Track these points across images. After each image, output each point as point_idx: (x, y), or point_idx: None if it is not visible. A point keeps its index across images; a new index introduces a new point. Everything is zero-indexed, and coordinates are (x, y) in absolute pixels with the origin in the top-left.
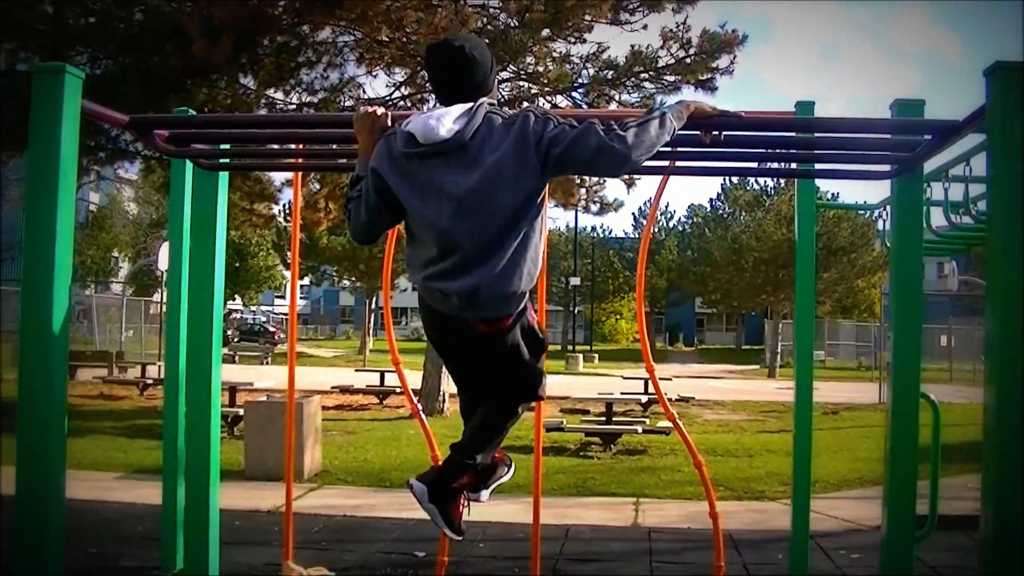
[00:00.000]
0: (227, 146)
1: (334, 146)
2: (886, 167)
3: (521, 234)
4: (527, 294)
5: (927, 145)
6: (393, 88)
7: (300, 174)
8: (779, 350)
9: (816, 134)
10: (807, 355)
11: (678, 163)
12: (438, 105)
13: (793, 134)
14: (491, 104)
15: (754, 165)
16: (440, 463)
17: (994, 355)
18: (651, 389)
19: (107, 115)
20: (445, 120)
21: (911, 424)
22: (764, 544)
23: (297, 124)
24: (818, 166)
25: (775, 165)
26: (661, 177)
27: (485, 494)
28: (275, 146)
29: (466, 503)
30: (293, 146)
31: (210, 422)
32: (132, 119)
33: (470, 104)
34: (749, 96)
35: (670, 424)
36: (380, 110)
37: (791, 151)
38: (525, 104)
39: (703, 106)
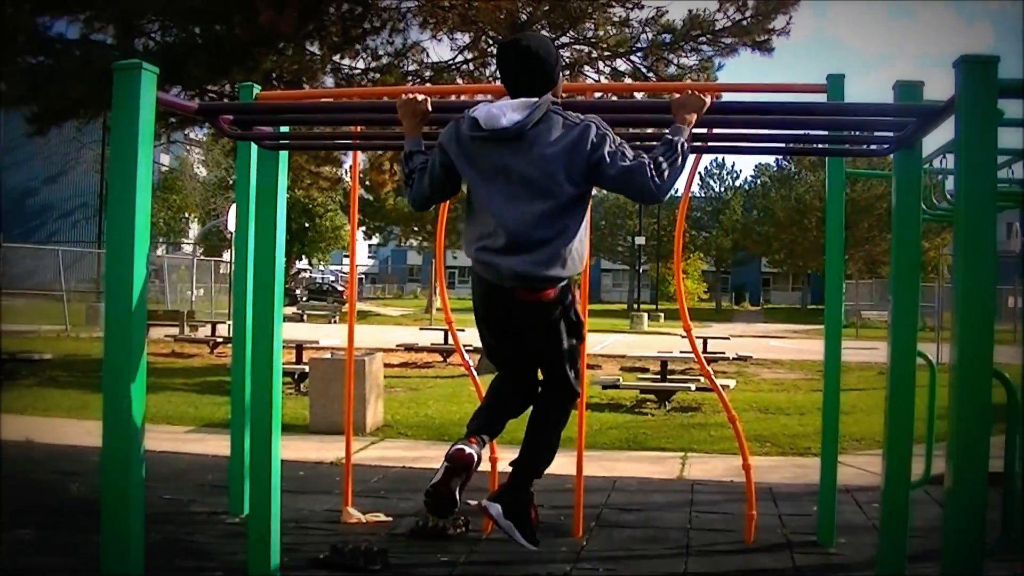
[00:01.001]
0: (286, 128)
1: (396, 128)
2: (886, 144)
3: (566, 224)
4: (575, 272)
5: (912, 127)
6: (456, 52)
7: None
8: (843, 310)
9: (814, 116)
10: (836, 315)
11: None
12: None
13: (795, 117)
14: (554, 102)
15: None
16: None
17: (959, 325)
18: (710, 348)
19: (178, 103)
20: (507, 111)
21: (908, 383)
22: (801, 497)
23: (350, 109)
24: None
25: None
26: (692, 158)
27: (505, 523)
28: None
29: (535, 514)
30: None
31: (272, 377)
32: (200, 107)
33: (534, 99)
34: (819, 54)
35: (725, 382)
36: (420, 96)
37: (802, 132)
38: (586, 69)
39: (699, 107)
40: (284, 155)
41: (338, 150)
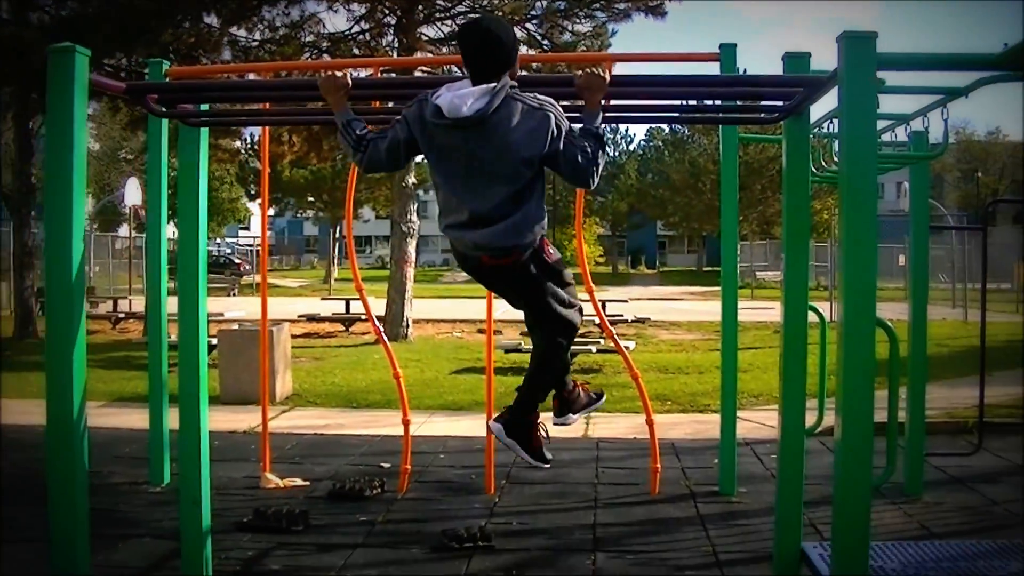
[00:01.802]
0: (207, 107)
1: (321, 104)
2: (776, 113)
3: (524, 201)
4: (534, 240)
5: (799, 97)
6: (353, 23)
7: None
8: (739, 271)
9: (709, 88)
10: (732, 277)
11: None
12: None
13: (694, 88)
14: (513, 86)
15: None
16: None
17: (844, 281)
18: (609, 311)
19: (108, 84)
20: (468, 99)
21: (801, 337)
22: (702, 451)
23: (271, 87)
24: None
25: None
26: None
27: (573, 418)
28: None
29: (544, 434)
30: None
31: (200, 348)
32: (129, 86)
33: (493, 84)
34: (712, 18)
35: (625, 344)
36: (339, 73)
37: (697, 101)
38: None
39: (602, 86)
40: (205, 132)
41: (262, 126)
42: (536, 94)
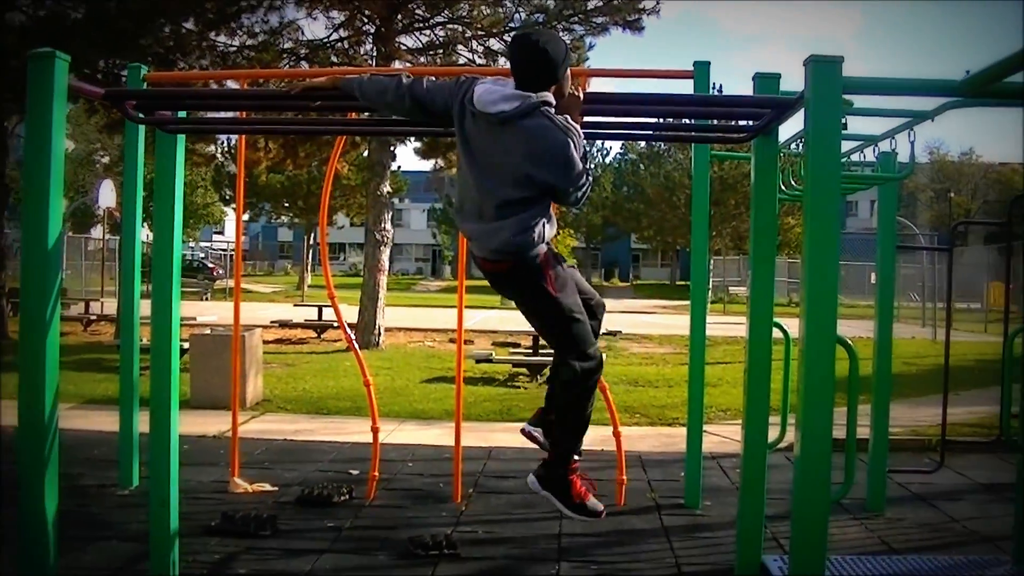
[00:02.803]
0: (184, 114)
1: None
2: (745, 133)
3: (522, 210)
4: (523, 251)
5: (768, 117)
6: (331, 30)
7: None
8: (711, 285)
9: (682, 107)
10: (702, 291)
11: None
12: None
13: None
14: (548, 104)
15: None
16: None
17: (806, 298)
18: None
19: (86, 89)
20: (499, 99)
21: (765, 352)
22: (669, 464)
23: (252, 97)
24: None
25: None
26: None
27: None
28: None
29: (588, 484)
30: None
31: (172, 352)
32: (107, 92)
33: (528, 95)
34: (690, 33)
35: None
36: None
37: (670, 120)
38: (460, 48)
39: (580, 104)
40: (182, 138)
41: (232, 133)
42: (567, 117)
